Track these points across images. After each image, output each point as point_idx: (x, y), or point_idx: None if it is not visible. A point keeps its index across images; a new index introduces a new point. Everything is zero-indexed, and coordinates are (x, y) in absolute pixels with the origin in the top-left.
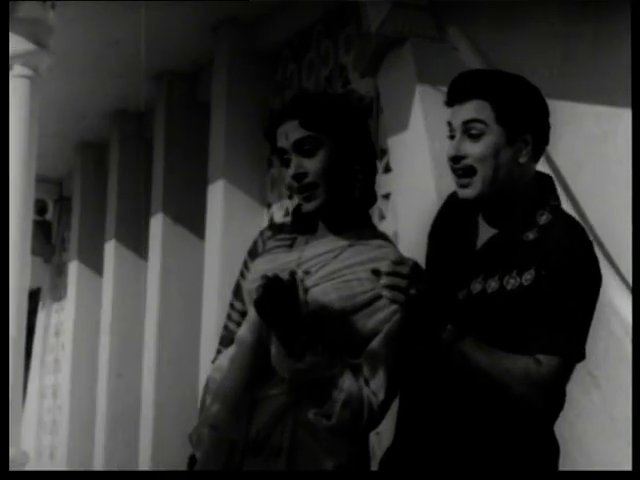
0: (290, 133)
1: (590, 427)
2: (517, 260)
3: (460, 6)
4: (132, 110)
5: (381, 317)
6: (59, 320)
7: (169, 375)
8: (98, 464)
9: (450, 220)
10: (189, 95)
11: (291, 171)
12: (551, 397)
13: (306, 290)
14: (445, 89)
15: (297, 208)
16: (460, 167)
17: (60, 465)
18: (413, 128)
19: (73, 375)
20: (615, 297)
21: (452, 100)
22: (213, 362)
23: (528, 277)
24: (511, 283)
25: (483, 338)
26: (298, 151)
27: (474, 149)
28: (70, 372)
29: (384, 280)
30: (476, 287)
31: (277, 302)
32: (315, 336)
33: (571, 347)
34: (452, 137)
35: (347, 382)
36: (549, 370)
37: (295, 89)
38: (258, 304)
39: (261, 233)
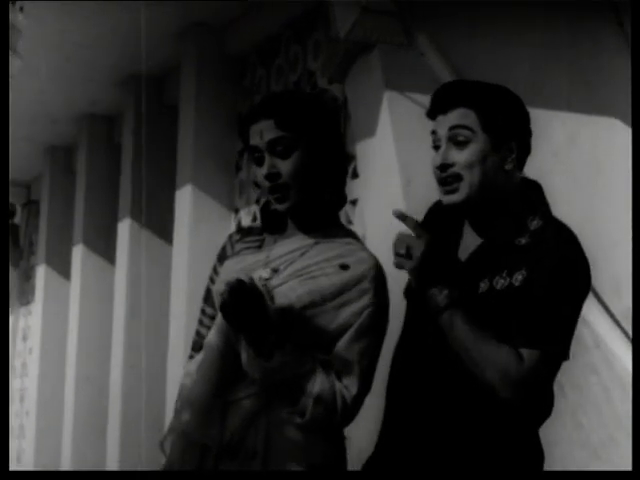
0: (265, 132)
1: (556, 433)
2: (508, 262)
3: (429, 13)
4: (101, 114)
5: (350, 311)
6: (27, 324)
7: (136, 379)
8: (65, 468)
9: (434, 229)
10: (157, 99)
11: (264, 171)
12: (528, 393)
13: (269, 291)
14: (413, 95)
15: (265, 205)
16: (447, 175)
17: (26, 469)
18: (381, 134)
19: (40, 379)
20: (584, 307)
21: (435, 111)
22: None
23: (519, 277)
24: (500, 283)
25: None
26: (272, 151)
27: (461, 156)
28: (38, 376)
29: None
30: (466, 290)
31: (242, 305)
32: (283, 335)
33: (555, 344)
34: (437, 147)
35: (319, 378)
36: (529, 366)
37: (263, 94)
38: (223, 309)
39: (229, 237)
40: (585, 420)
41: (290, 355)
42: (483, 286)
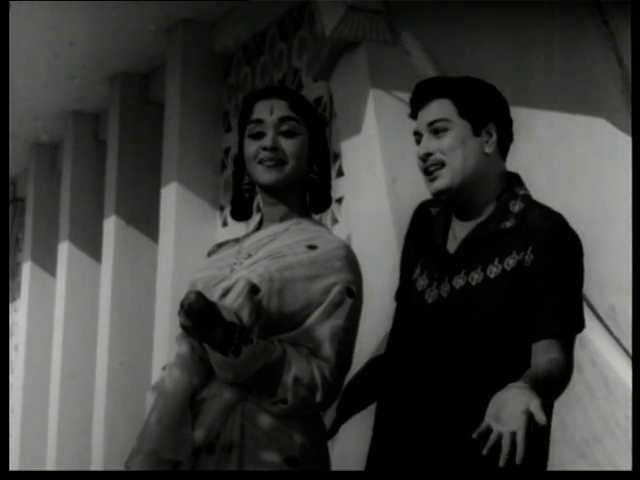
0: (276, 109)
1: None
2: (498, 249)
3: (414, 11)
4: (86, 111)
5: (320, 286)
6: (12, 321)
7: (121, 377)
8: (50, 465)
9: (421, 229)
10: (143, 96)
11: (267, 142)
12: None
13: (228, 289)
14: (398, 93)
15: (237, 195)
16: (430, 164)
17: (12, 466)
18: (366, 132)
19: (26, 376)
20: None
21: (415, 109)
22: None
23: (510, 262)
24: (493, 271)
25: (477, 329)
26: (278, 128)
27: (442, 143)
28: (23, 373)
29: None
30: (459, 282)
31: (199, 320)
32: (248, 330)
33: (578, 320)
34: (419, 142)
35: (292, 361)
36: (566, 355)
37: (248, 92)
38: (183, 327)
39: (208, 252)
40: (569, 419)
41: (258, 346)
42: (477, 277)
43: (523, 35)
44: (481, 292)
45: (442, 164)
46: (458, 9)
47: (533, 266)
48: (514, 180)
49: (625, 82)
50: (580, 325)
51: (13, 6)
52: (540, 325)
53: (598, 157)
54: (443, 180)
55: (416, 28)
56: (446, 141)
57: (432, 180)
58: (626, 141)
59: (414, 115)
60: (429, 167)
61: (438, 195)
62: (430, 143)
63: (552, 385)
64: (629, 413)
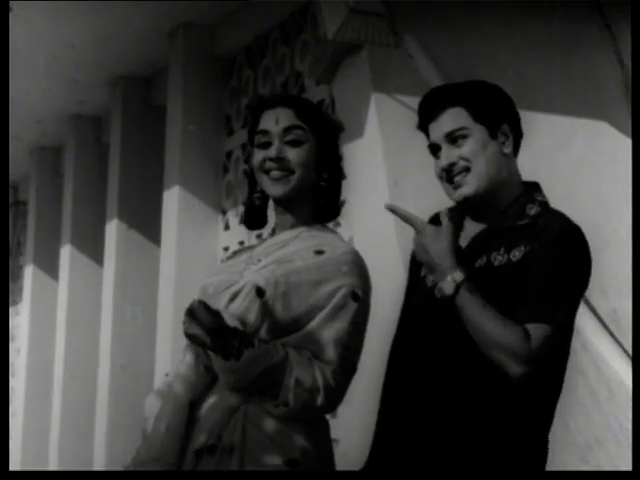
0: (281, 118)
1: None
2: (506, 241)
3: (417, 14)
4: (88, 114)
5: (325, 291)
6: (14, 324)
7: (123, 380)
8: (52, 469)
9: None
10: (145, 99)
11: (272, 153)
12: (537, 369)
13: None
14: (401, 96)
15: (249, 203)
16: (455, 172)
17: (13, 469)
18: (368, 135)
19: (28, 380)
20: None
21: (425, 121)
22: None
23: (517, 254)
24: (498, 260)
25: None
26: (284, 138)
27: (463, 150)
28: (25, 377)
29: None
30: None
31: (205, 329)
32: (249, 336)
33: (559, 315)
34: (435, 154)
35: (294, 363)
36: (536, 341)
37: (251, 95)
38: (188, 336)
39: (223, 258)
40: (572, 422)
41: (259, 349)
42: (480, 262)
43: (525, 38)
44: (484, 279)
45: (467, 170)
46: (461, 12)
47: (535, 257)
48: (533, 187)
49: (626, 85)
50: (567, 325)
51: (15, 9)
52: (520, 308)
53: (599, 160)
54: (469, 186)
55: (419, 31)
56: (467, 148)
57: (457, 187)
58: (627, 144)
59: (423, 126)
60: (454, 176)
61: (464, 202)
62: (451, 153)
63: (494, 333)
64: (630, 415)
